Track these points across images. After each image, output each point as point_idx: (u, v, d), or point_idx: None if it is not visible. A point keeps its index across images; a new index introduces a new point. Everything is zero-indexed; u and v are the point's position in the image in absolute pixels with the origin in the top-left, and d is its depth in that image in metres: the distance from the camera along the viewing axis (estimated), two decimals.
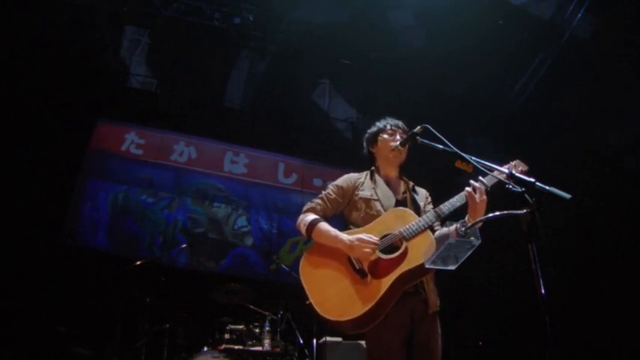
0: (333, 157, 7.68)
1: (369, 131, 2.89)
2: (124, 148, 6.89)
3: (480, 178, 2.40)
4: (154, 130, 7.15)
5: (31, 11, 6.08)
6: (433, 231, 2.51)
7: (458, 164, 2.27)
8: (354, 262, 2.38)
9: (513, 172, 2.14)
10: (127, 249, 6.26)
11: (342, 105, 8.27)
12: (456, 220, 2.38)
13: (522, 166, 2.51)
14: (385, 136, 2.77)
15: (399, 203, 2.62)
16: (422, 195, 2.77)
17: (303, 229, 2.56)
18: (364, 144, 2.91)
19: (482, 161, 2.21)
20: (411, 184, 2.81)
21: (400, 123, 2.83)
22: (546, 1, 6.61)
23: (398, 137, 2.74)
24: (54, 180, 5.99)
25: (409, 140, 2.60)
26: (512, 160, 2.56)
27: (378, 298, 2.25)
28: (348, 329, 2.33)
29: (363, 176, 2.77)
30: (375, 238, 2.38)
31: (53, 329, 4.85)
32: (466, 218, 2.44)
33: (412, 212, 2.52)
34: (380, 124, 2.84)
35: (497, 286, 6.76)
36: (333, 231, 2.48)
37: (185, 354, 4.62)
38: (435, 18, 6.48)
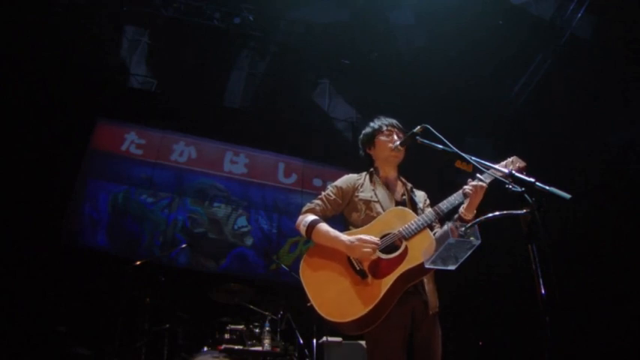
0: (333, 157, 7.68)
1: (363, 132, 2.85)
2: (124, 148, 6.89)
3: (478, 175, 2.40)
4: (153, 130, 7.14)
5: (31, 11, 6.08)
6: (432, 230, 2.50)
7: (458, 164, 2.27)
8: (355, 262, 2.38)
9: (513, 171, 2.14)
10: (127, 249, 6.26)
11: (342, 105, 8.27)
12: (455, 220, 2.39)
13: (520, 163, 2.50)
14: (382, 137, 2.75)
15: (399, 205, 2.62)
16: (420, 197, 2.76)
17: (302, 230, 2.55)
18: (360, 146, 2.88)
19: (482, 161, 2.21)
20: (410, 185, 2.80)
21: (395, 122, 2.81)
22: (546, 1, 6.62)
23: (395, 137, 2.73)
24: (54, 180, 5.98)
25: (409, 140, 2.59)
26: (510, 157, 2.56)
27: (379, 298, 2.25)
28: (350, 330, 2.33)
29: (362, 177, 2.75)
30: (375, 238, 2.38)
31: (53, 329, 4.84)
32: (460, 211, 2.44)
33: (411, 211, 2.51)
34: (375, 125, 2.81)
35: (498, 286, 6.76)
36: (333, 232, 2.48)
37: (185, 354, 4.62)
38: (435, 18, 6.48)
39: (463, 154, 2.23)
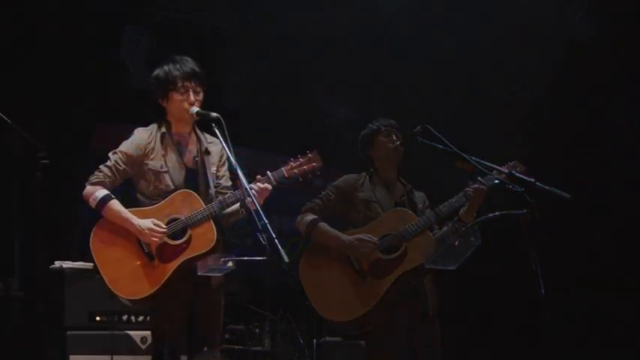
0: (333, 157, 7.66)
1: (362, 134, 2.88)
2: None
3: (479, 178, 2.40)
4: None
5: (31, 11, 6.08)
6: (432, 232, 2.51)
7: (458, 164, 2.27)
8: (354, 262, 2.39)
9: (513, 172, 2.14)
10: None
11: (342, 105, 8.26)
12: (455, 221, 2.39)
13: (520, 167, 2.52)
14: (382, 138, 2.76)
15: (398, 205, 2.63)
16: (420, 198, 2.78)
17: (302, 229, 2.57)
18: (359, 147, 2.89)
19: (482, 161, 2.22)
20: (409, 186, 2.81)
21: (393, 122, 2.82)
22: (546, 1, 6.61)
23: (394, 137, 2.73)
24: (54, 180, 5.97)
25: (409, 140, 2.59)
26: (511, 161, 2.56)
27: (378, 298, 2.26)
28: (349, 329, 2.34)
29: (362, 177, 2.76)
30: (374, 239, 2.39)
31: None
32: (460, 213, 2.45)
33: (412, 213, 2.53)
34: (373, 126, 2.83)
35: (498, 286, 6.75)
36: (333, 231, 2.49)
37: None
38: (435, 18, 6.48)
39: (463, 155, 2.23)
